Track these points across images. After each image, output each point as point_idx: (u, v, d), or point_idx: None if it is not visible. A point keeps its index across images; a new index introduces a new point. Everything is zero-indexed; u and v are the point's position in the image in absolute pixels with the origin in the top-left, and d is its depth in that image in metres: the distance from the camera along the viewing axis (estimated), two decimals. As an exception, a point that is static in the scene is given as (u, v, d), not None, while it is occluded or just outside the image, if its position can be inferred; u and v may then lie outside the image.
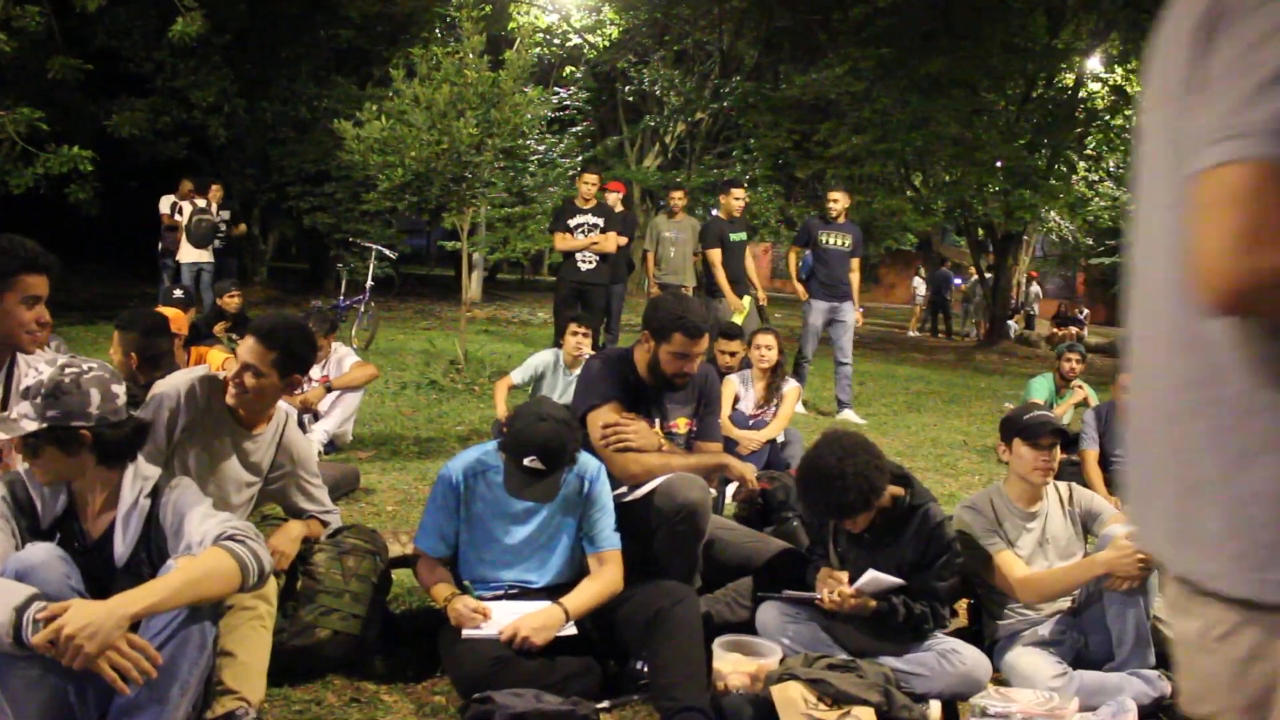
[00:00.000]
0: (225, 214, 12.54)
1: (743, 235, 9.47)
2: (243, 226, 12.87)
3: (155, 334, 4.71)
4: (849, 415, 9.15)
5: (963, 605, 4.02)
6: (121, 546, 2.64)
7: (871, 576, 3.30)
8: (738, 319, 8.78)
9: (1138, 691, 3.24)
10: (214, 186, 12.58)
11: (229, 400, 3.34)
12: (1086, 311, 24.85)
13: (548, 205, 16.51)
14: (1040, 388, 8.00)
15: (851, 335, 9.38)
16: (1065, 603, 3.62)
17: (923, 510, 3.44)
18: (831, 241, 9.23)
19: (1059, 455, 3.68)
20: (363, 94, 15.33)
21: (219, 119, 15.25)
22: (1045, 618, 3.60)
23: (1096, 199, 20.11)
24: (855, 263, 9.42)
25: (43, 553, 2.51)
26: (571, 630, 3.26)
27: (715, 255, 9.22)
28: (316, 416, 6.44)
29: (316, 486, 3.64)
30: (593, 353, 6.76)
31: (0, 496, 2.61)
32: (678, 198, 10.84)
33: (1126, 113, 18.94)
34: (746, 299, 9.20)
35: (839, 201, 9.35)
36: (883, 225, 20.23)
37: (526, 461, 3.22)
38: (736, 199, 9.54)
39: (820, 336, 9.50)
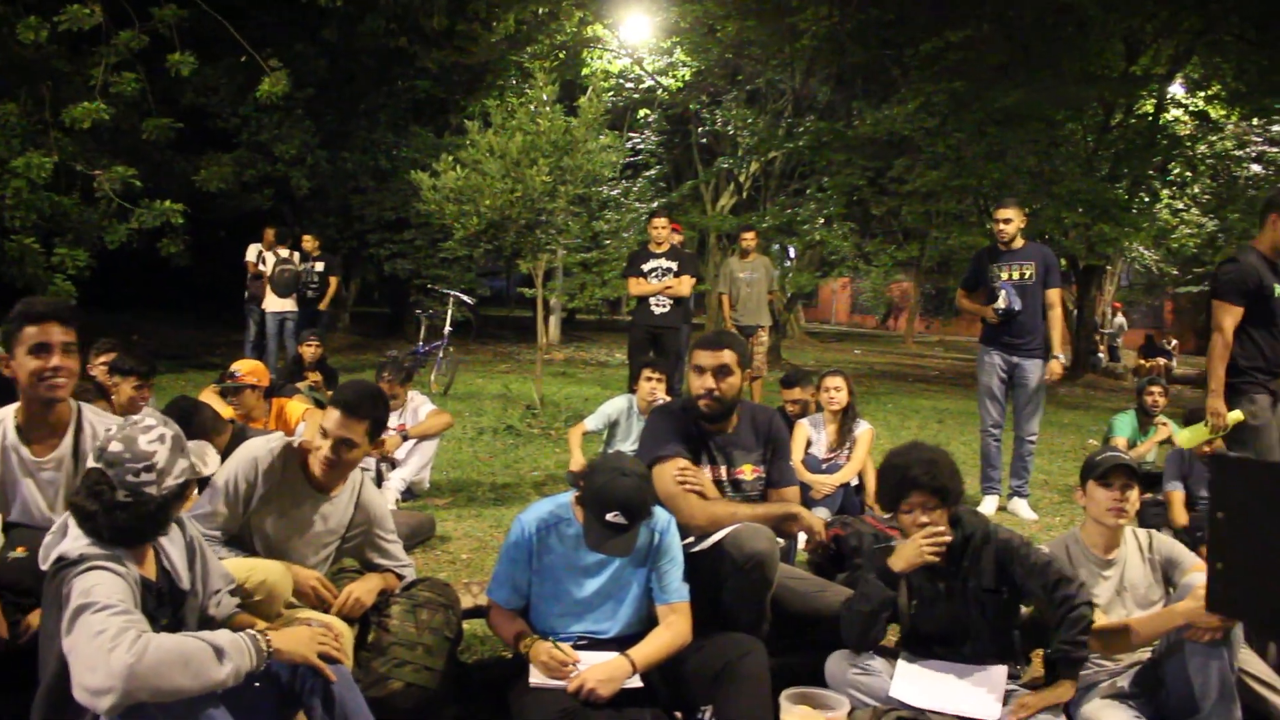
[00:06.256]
0: (319, 266, 12.77)
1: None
2: (334, 282, 12.97)
3: (186, 422, 4.76)
4: (1021, 509, 7.09)
5: (1037, 655, 3.94)
6: (185, 576, 2.76)
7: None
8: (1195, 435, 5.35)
9: (1223, 747, 3.15)
10: (306, 238, 12.88)
11: (319, 473, 3.46)
12: (1175, 341, 24.22)
13: (623, 250, 16.63)
14: (1123, 425, 7.81)
15: (1039, 402, 7.14)
16: (1144, 653, 3.53)
17: (978, 535, 3.46)
18: (1007, 275, 7.01)
19: (1136, 498, 3.61)
20: (440, 142, 15.67)
21: (302, 170, 15.70)
22: (1124, 669, 3.52)
23: (1182, 226, 19.63)
24: (1054, 295, 7.03)
25: None
26: (637, 682, 3.28)
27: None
28: (393, 464, 6.56)
29: (392, 542, 3.74)
30: (667, 398, 6.79)
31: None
32: (749, 238, 10.86)
33: (1210, 139, 18.51)
34: (1234, 415, 5.00)
35: (1011, 221, 6.97)
36: (961, 260, 20.00)
37: (609, 517, 3.26)
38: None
39: (1001, 400, 7.21)
